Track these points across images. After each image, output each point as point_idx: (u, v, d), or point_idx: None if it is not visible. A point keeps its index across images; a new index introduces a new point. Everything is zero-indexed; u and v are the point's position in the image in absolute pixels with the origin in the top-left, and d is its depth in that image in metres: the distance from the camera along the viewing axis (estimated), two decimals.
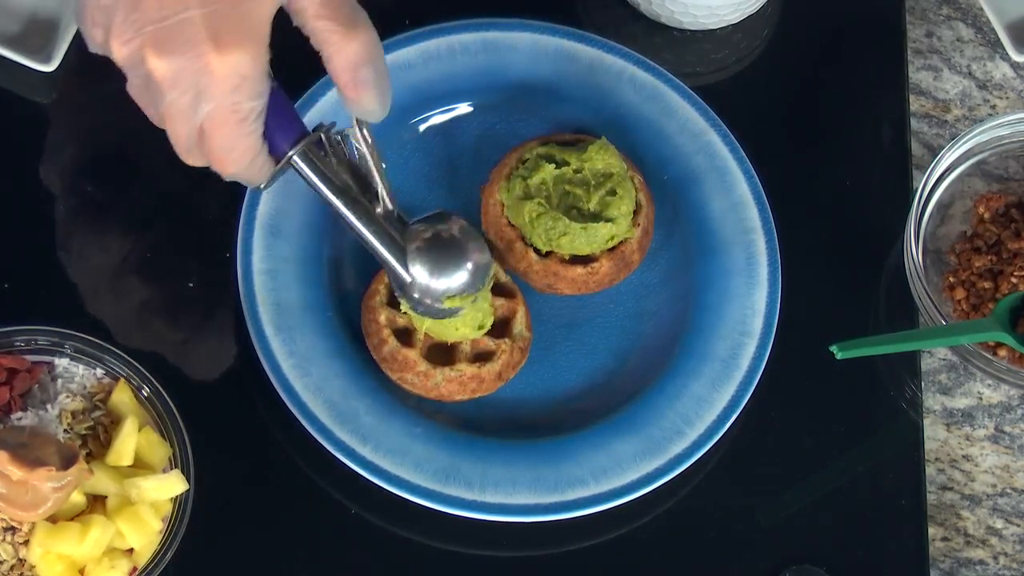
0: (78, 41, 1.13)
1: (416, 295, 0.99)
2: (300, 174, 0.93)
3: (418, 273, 0.98)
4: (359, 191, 0.95)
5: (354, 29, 0.87)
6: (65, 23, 1.13)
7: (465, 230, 1.00)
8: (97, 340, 1.01)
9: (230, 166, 0.90)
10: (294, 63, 0.92)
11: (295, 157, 0.92)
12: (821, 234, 1.15)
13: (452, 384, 1.05)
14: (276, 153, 0.92)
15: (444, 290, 0.99)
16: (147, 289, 1.09)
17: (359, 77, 0.89)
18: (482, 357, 1.06)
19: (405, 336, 1.05)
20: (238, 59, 0.85)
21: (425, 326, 1.04)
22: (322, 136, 0.93)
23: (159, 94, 0.87)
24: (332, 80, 0.90)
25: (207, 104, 0.86)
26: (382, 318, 1.05)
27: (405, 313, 1.04)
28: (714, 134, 1.13)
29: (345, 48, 0.88)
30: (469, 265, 0.99)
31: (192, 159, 0.90)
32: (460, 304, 1.01)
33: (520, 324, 1.07)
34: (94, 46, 0.89)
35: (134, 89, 0.88)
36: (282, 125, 0.91)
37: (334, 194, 0.94)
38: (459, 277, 0.99)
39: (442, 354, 1.06)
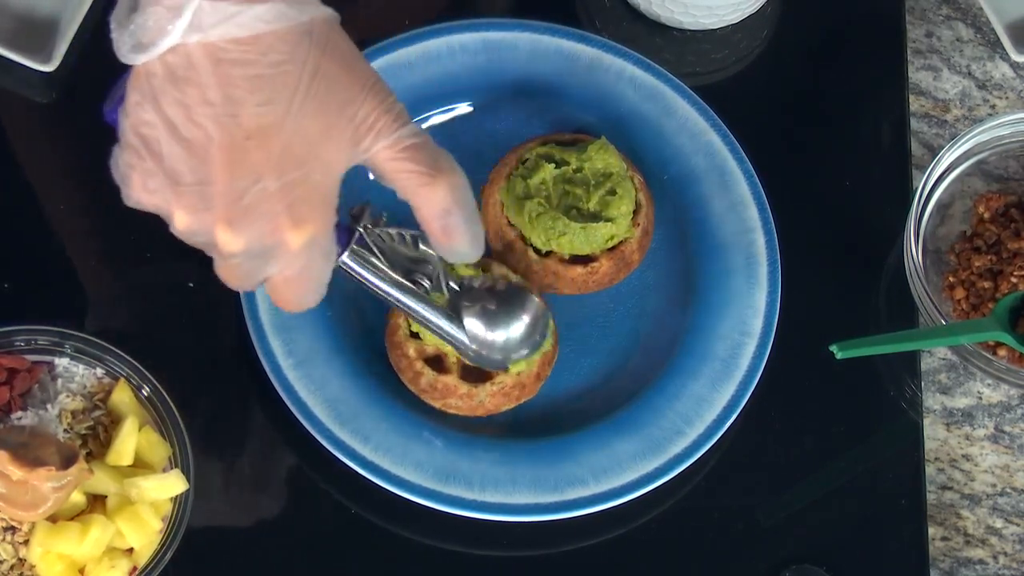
0: (78, 41, 1.13)
1: (478, 349, 0.97)
2: (349, 274, 0.91)
3: (475, 327, 0.96)
4: (404, 273, 0.93)
5: (438, 174, 0.85)
6: (65, 23, 1.13)
7: (514, 284, 0.99)
8: (97, 340, 1.01)
9: (296, 309, 0.88)
10: None
11: (345, 260, 0.90)
12: (821, 234, 1.15)
13: (497, 398, 1.05)
14: None
15: (503, 342, 0.97)
16: (147, 289, 1.09)
17: (449, 224, 0.86)
18: (517, 364, 1.06)
19: (437, 363, 1.05)
20: (313, 231, 0.82)
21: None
22: (360, 230, 0.90)
23: (219, 256, 0.84)
24: (422, 227, 0.87)
25: (276, 267, 0.84)
26: (411, 351, 1.04)
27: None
28: (714, 134, 1.13)
29: (432, 196, 0.85)
30: (526, 317, 0.98)
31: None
32: (525, 364, 1.03)
33: None
34: (135, 203, 0.84)
35: (184, 237, 0.84)
36: None
37: (388, 286, 0.92)
38: (516, 328, 0.98)
39: (476, 370, 1.05)
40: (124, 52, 0.80)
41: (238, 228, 0.81)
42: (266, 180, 0.80)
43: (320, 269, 0.85)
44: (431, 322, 0.95)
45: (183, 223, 0.82)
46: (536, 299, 0.98)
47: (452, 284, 0.94)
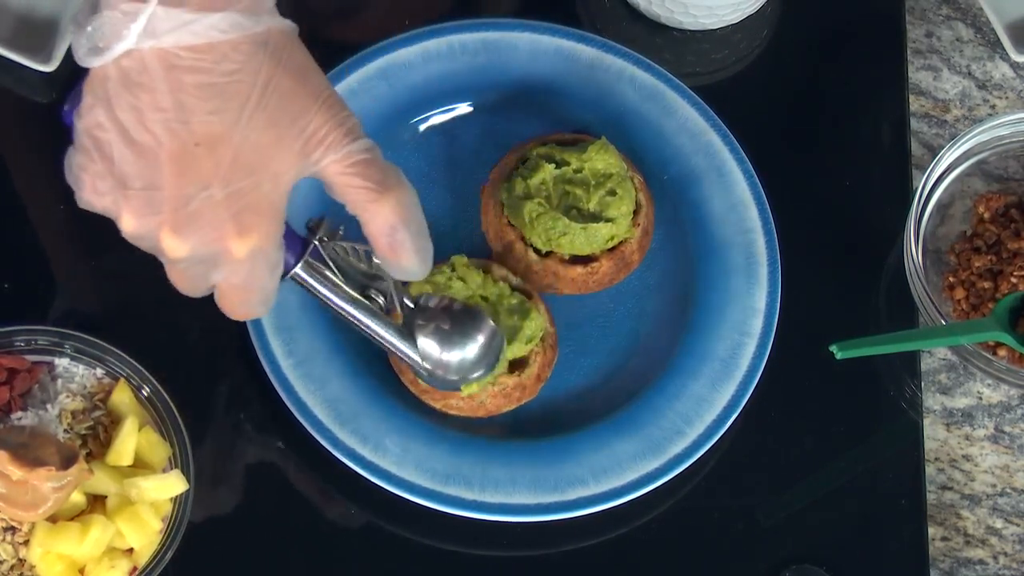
0: None
1: (432, 369, 0.97)
2: (302, 286, 0.91)
3: (430, 347, 0.96)
4: (360, 288, 0.93)
5: (386, 191, 0.85)
6: (65, 23, 1.13)
7: (469, 305, 0.99)
8: (97, 340, 1.01)
9: (242, 317, 0.88)
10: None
11: (298, 272, 0.90)
12: (821, 234, 1.15)
13: (497, 399, 1.05)
14: None
15: (458, 362, 0.97)
16: (147, 289, 1.09)
17: (395, 241, 0.86)
18: (518, 365, 1.05)
19: None
20: (258, 241, 0.83)
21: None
22: (315, 243, 0.90)
23: (167, 261, 0.84)
24: (369, 242, 0.87)
25: (221, 275, 0.85)
26: None
27: None
28: (714, 134, 1.13)
29: (379, 212, 0.85)
30: (480, 338, 0.97)
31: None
32: (477, 387, 1.03)
33: (544, 322, 1.07)
34: (86, 205, 0.85)
35: (132, 240, 0.84)
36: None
37: (340, 300, 0.92)
38: (471, 349, 0.97)
39: None
40: (80, 55, 0.81)
41: (183, 234, 0.82)
42: (213, 188, 0.81)
43: (265, 279, 0.85)
44: (384, 339, 0.95)
45: (130, 226, 0.83)
46: (491, 321, 0.98)
47: (407, 301, 0.94)
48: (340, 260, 0.91)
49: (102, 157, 0.82)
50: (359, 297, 0.93)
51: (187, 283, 0.86)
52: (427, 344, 0.96)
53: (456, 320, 0.96)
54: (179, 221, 0.81)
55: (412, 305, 0.95)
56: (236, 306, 0.87)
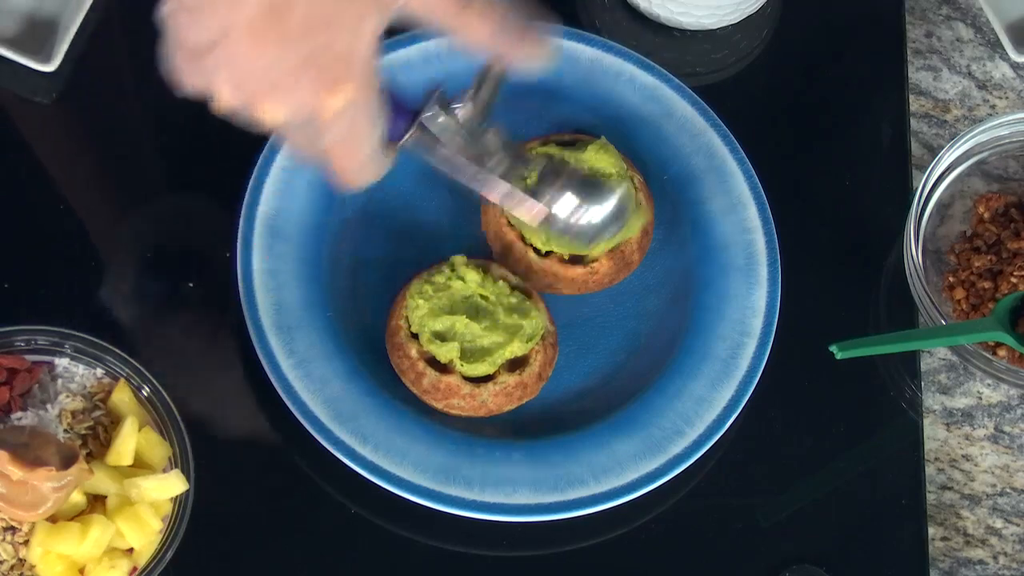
0: (78, 41, 1.13)
1: (567, 219, 0.97)
2: (417, 152, 0.92)
3: (559, 209, 0.96)
4: (476, 159, 0.93)
5: (470, 2, 0.85)
6: (65, 23, 1.13)
7: (594, 175, 0.99)
8: (97, 340, 1.01)
9: (355, 181, 0.89)
10: None
11: (409, 144, 0.91)
12: (821, 234, 1.15)
13: (499, 397, 1.05)
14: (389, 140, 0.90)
15: (587, 223, 0.97)
16: (147, 289, 1.09)
17: (503, 37, 0.86)
18: (518, 363, 1.06)
19: (439, 364, 1.05)
20: (351, 92, 0.83)
21: (462, 367, 1.04)
22: (428, 113, 0.91)
23: (273, 130, 0.86)
24: (486, 61, 0.87)
25: (324, 138, 0.85)
26: (413, 352, 1.04)
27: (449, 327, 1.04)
28: (714, 134, 1.13)
29: (471, 18, 0.85)
30: (612, 198, 0.98)
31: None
32: (607, 242, 1.04)
33: (543, 320, 1.07)
34: (183, 89, 0.85)
35: (231, 116, 0.85)
36: (390, 113, 0.89)
37: (456, 164, 0.93)
38: (599, 211, 0.97)
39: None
40: None
41: (275, 99, 0.83)
42: (293, 49, 0.81)
43: (367, 132, 0.86)
44: (505, 196, 0.94)
45: (224, 101, 0.83)
46: (619, 185, 0.98)
47: (534, 166, 0.95)
48: (457, 130, 0.92)
49: (184, 39, 0.83)
50: (475, 165, 0.93)
51: (305, 149, 0.87)
52: (559, 206, 0.96)
53: (584, 184, 0.97)
54: (267, 87, 0.82)
55: (537, 170, 0.96)
56: (347, 170, 0.88)
